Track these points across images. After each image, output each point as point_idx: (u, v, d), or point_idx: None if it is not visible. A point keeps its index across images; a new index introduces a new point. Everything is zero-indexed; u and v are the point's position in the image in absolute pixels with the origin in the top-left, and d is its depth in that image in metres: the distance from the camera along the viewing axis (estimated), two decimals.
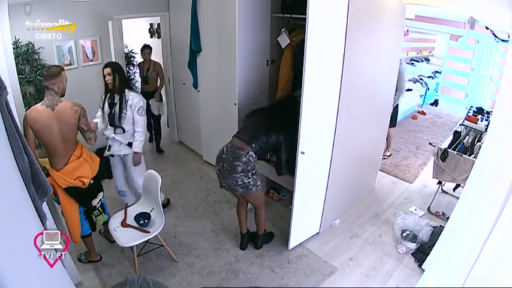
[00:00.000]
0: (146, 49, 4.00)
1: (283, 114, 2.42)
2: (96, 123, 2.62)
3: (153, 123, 4.29)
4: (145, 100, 2.77)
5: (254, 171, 2.34)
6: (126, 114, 2.62)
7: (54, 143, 2.14)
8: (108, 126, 2.67)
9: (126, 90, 2.63)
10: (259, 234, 2.69)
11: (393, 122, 4.01)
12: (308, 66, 2.09)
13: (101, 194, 2.44)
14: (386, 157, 4.18)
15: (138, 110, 2.64)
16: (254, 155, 2.30)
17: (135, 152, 2.74)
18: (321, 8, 2.03)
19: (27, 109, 3.00)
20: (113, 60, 3.28)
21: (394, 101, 3.72)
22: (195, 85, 3.75)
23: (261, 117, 2.45)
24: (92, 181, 2.32)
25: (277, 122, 2.37)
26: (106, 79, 2.60)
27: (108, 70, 2.59)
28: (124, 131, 2.68)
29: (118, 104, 2.60)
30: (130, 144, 2.73)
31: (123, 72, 2.69)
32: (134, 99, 2.62)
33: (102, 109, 2.68)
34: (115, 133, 2.69)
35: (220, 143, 2.45)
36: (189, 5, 3.32)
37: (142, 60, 4.13)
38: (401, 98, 3.88)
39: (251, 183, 2.33)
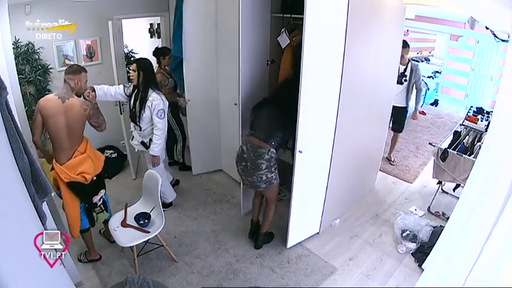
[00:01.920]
0: (170, 52, 3.37)
1: (290, 103, 2.37)
2: (94, 91, 2.49)
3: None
4: (167, 103, 2.69)
5: (275, 165, 2.43)
6: (144, 114, 2.65)
7: (60, 136, 2.18)
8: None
9: (150, 90, 2.62)
10: (261, 232, 2.71)
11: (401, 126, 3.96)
12: (306, 65, 2.08)
13: (103, 191, 2.47)
14: (394, 163, 4.12)
15: (158, 112, 2.60)
16: (275, 151, 2.39)
17: (152, 155, 2.74)
18: (319, 8, 2.03)
19: (27, 109, 3.00)
20: (113, 60, 3.27)
21: (405, 102, 3.72)
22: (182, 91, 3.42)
23: (272, 112, 2.44)
24: (94, 178, 2.35)
25: (288, 114, 2.36)
26: (130, 74, 2.66)
27: (133, 66, 2.65)
28: (140, 129, 2.73)
29: (138, 102, 2.63)
30: (143, 143, 2.77)
31: (149, 71, 2.67)
32: (154, 101, 2.59)
33: (126, 95, 2.73)
34: (134, 128, 2.78)
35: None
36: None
37: (160, 67, 3.37)
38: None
39: (274, 177, 2.44)
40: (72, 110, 2.18)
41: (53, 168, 2.25)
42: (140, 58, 2.91)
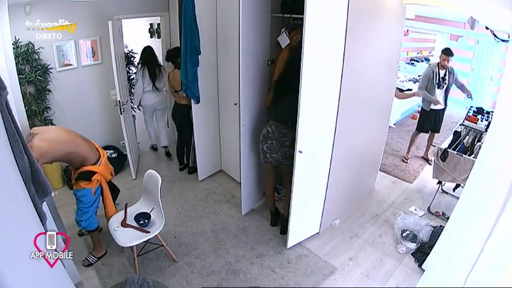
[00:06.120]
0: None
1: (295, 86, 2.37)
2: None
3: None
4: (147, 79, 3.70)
5: None
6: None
7: (81, 138, 2.32)
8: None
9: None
10: (286, 216, 2.76)
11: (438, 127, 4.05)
12: (306, 65, 2.09)
13: None
14: (431, 162, 4.09)
15: None
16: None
17: None
18: (319, 8, 2.03)
19: (27, 109, 2.98)
20: (113, 60, 3.27)
21: (444, 103, 3.83)
22: (198, 99, 3.22)
23: (292, 99, 2.40)
24: None
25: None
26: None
27: None
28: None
29: None
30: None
31: (143, 57, 3.77)
32: None
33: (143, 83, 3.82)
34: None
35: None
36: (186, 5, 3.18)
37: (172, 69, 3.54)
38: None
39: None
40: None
41: (89, 176, 2.33)
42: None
